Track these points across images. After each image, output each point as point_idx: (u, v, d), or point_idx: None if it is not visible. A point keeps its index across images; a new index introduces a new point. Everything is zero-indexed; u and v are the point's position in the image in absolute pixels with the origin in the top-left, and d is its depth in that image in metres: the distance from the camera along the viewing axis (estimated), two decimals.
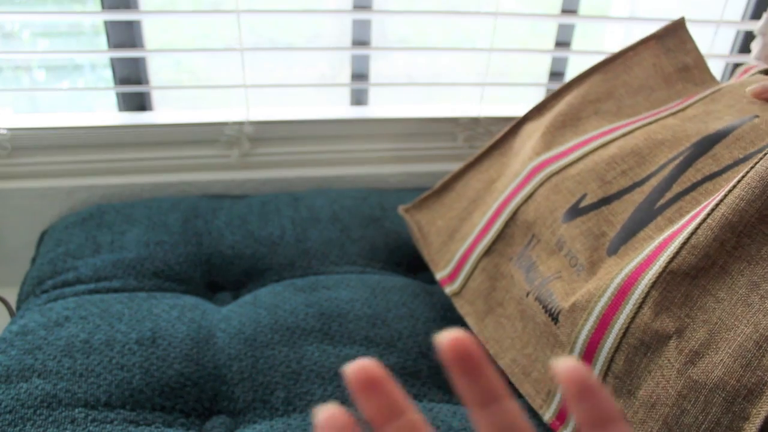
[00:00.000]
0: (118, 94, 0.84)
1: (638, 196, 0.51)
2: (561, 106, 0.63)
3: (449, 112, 0.87)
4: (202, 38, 1.56)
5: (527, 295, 0.54)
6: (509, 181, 0.61)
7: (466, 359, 0.22)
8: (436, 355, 0.58)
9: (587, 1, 0.92)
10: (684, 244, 0.43)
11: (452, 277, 0.62)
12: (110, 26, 0.79)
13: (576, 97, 0.63)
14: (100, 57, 1.45)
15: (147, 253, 0.67)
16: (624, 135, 0.57)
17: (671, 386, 0.42)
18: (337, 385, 0.54)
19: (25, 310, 0.61)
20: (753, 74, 0.60)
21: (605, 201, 0.53)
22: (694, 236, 0.43)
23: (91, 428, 0.48)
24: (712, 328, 0.41)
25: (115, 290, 0.63)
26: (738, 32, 0.92)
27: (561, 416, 0.49)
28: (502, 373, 0.58)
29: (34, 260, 0.72)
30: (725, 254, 0.42)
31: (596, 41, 1.56)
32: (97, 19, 1.08)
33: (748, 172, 0.42)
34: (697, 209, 0.46)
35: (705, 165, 0.50)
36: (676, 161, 0.51)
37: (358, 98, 0.90)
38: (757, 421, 0.38)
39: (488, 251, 0.59)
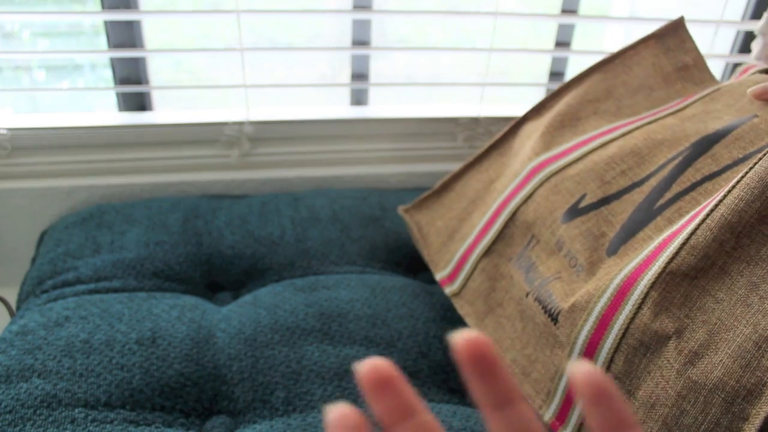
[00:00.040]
0: (118, 94, 0.84)
1: (638, 197, 0.51)
2: (560, 106, 0.63)
3: (449, 112, 0.87)
4: (202, 38, 1.56)
5: (527, 295, 0.54)
6: (509, 181, 0.61)
7: (481, 361, 0.22)
8: (436, 355, 0.58)
9: (587, 1, 0.92)
10: (683, 244, 0.43)
11: (452, 277, 0.62)
12: (110, 26, 0.79)
13: (575, 97, 0.63)
14: (100, 57, 1.45)
15: (147, 253, 0.67)
16: (623, 135, 0.57)
17: (671, 387, 0.42)
18: (337, 385, 0.54)
19: (25, 310, 0.61)
20: (753, 73, 0.60)
21: (605, 201, 0.53)
22: (693, 237, 0.42)
23: (91, 428, 0.48)
24: (712, 329, 0.41)
25: (115, 290, 0.63)
26: (738, 32, 0.92)
27: (561, 416, 0.49)
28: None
29: (34, 260, 0.72)
30: (724, 255, 0.42)
31: (596, 41, 1.56)
32: (97, 19, 1.08)
33: (747, 172, 0.42)
34: (697, 209, 0.46)
35: (704, 165, 0.50)
36: (676, 161, 0.51)
37: (358, 98, 0.90)
38: (757, 422, 0.38)
39: (488, 252, 0.59)
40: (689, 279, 0.43)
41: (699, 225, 0.43)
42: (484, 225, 0.60)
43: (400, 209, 0.70)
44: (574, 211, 0.54)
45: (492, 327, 0.57)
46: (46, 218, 0.81)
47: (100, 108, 1.23)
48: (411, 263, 0.72)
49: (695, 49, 0.63)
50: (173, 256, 0.68)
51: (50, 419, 0.49)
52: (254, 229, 0.72)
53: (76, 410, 0.50)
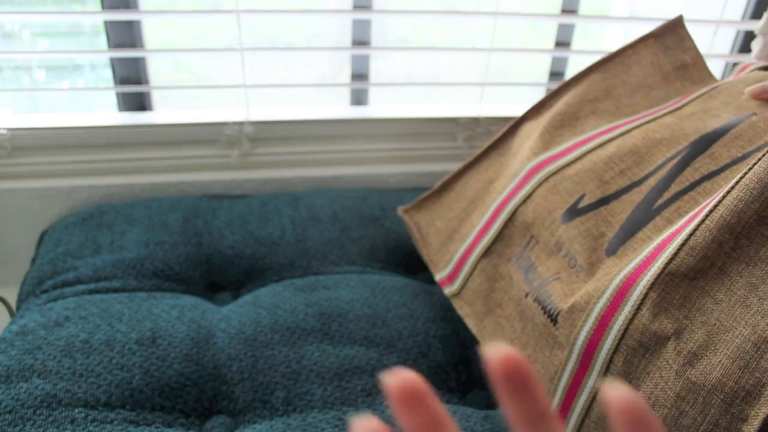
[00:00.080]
0: (118, 94, 0.84)
1: (636, 196, 0.51)
2: (559, 105, 0.63)
3: (449, 112, 0.87)
4: (202, 38, 1.56)
5: (526, 296, 0.54)
6: (508, 181, 0.61)
7: (516, 378, 0.21)
8: (436, 355, 0.58)
9: (587, 1, 0.92)
10: (682, 245, 0.43)
11: (451, 278, 0.62)
12: (110, 26, 0.79)
13: (574, 97, 0.63)
14: (100, 57, 1.45)
15: (147, 253, 0.67)
16: (622, 134, 0.57)
17: (670, 388, 0.42)
18: (337, 385, 0.54)
19: (25, 310, 0.61)
20: (751, 71, 0.60)
21: (603, 201, 0.53)
22: (692, 237, 0.42)
23: (91, 428, 0.48)
24: (711, 330, 0.41)
25: (115, 290, 0.63)
26: (738, 32, 0.92)
27: (560, 417, 0.49)
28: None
29: (34, 260, 0.72)
30: (724, 256, 0.42)
31: (596, 41, 1.56)
32: (97, 19, 1.08)
33: (746, 173, 0.42)
34: (696, 209, 0.46)
35: (703, 164, 0.49)
36: (674, 160, 0.51)
37: (358, 98, 0.90)
38: (756, 423, 0.38)
39: (487, 252, 0.59)
40: (688, 280, 0.43)
41: (698, 226, 0.42)
42: (484, 225, 0.60)
43: (400, 210, 0.70)
44: (573, 212, 0.53)
45: (491, 327, 0.57)
46: (46, 218, 0.81)
47: (100, 108, 1.23)
48: (411, 263, 0.72)
49: (694, 48, 0.63)
50: (173, 256, 0.68)
51: (50, 419, 0.49)
52: (254, 229, 0.72)
53: (76, 410, 0.50)
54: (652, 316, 0.43)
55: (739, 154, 0.49)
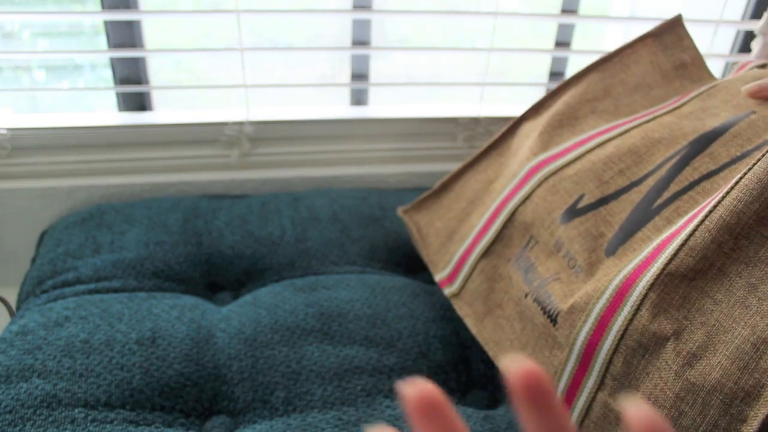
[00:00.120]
0: (118, 94, 0.84)
1: (636, 196, 0.51)
2: (558, 105, 0.63)
3: (449, 112, 0.87)
4: (202, 38, 1.56)
5: (526, 296, 0.54)
6: (507, 181, 0.61)
7: (536, 392, 0.22)
8: (436, 355, 0.58)
9: (587, 1, 0.92)
10: (682, 246, 0.43)
11: (451, 278, 0.62)
12: (110, 26, 0.79)
13: (573, 96, 0.63)
14: (100, 57, 1.45)
15: (147, 253, 0.67)
16: (621, 134, 0.57)
17: (669, 388, 0.42)
18: (337, 385, 0.54)
19: (25, 310, 0.61)
20: (750, 69, 0.60)
21: (603, 201, 0.53)
22: (691, 238, 0.42)
23: (91, 428, 0.48)
24: (710, 331, 0.41)
25: (115, 290, 0.63)
26: (738, 32, 0.92)
27: None
28: (501, 375, 0.58)
29: (34, 260, 0.72)
30: (723, 256, 0.42)
31: (596, 41, 1.56)
32: (97, 19, 1.08)
33: (746, 173, 0.42)
34: (695, 210, 0.46)
35: (702, 163, 0.49)
36: (673, 160, 0.51)
37: (358, 98, 0.90)
38: (755, 424, 0.38)
39: (486, 252, 0.59)
40: (688, 280, 0.43)
41: (697, 226, 0.42)
42: (483, 226, 0.60)
43: (399, 210, 0.70)
44: (573, 212, 0.53)
45: (491, 328, 0.57)
46: (46, 218, 0.81)
47: (100, 108, 1.23)
48: (411, 263, 0.72)
49: (693, 47, 0.63)
50: (173, 256, 0.68)
51: (50, 419, 0.49)
52: (254, 229, 0.72)
53: (76, 410, 0.50)
54: (651, 317, 0.43)
55: (738, 153, 0.49)
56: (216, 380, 0.54)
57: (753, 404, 0.38)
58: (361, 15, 0.81)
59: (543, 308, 0.51)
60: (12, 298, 0.74)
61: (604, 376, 0.46)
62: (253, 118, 0.82)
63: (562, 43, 0.91)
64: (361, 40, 0.86)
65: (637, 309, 0.44)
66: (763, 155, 0.41)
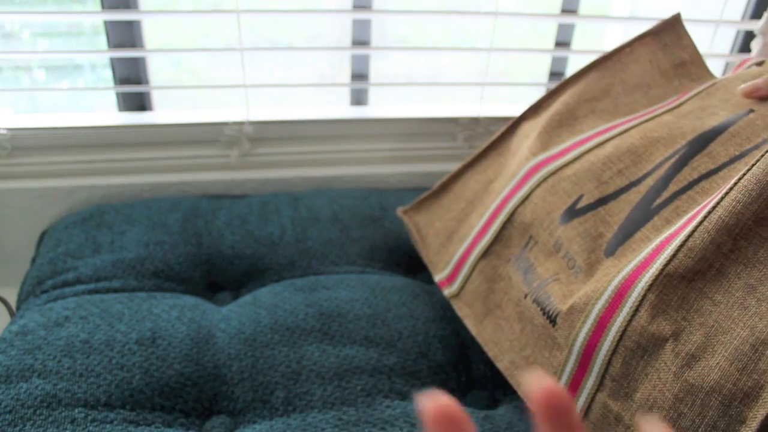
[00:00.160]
0: (118, 94, 0.84)
1: (635, 196, 0.51)
2: (557, 105, 0.63)
3: (449, 112, 0.87)
4: (202, 38, 1.56)
5: (525, 297, 0.54)
6: (506, 182, 0.61)
7: (557, 410, 0.22)
8: (436, 355, 0.58)
9: (587, 1, 0.92)
10: (680, 247, 0.43)
11: (450, 279, 0.61)
12: (110, 26, 0.79)
13: (572, 96, 0.63)
14: (100, 57, 1.45)
15: (147, 253, 0.67)
16: (620, 134, 0.57)
17: (668, 389, 0.42)
18: (337, 385, 0.54)
19: (25, 310, 0.61)
20: (748, 67, 0.60)
21: (602, 201, 0.53)
22: (690, 239, 0.42)
23: (91, 428, 0.48)
24: (709, 332, 0.41)
25: (115, 290, 0.63)
26: (738, 32, 0.92)
27: None
28: (500, 377, 0.58)
29: (34, 260, 0.72)
30: (722, 257, 0.42)
31: (596, 41, 1.56)
32: (97, 19, 1.08)
33: (744, 174, 0.42)
34: (694, 210, 0.46)
35: (701, 163, 0.49)
36: (672, 160, 0.51)
37: (358, 98, 0.90)
38: (754, 425, 0.38)
39: (486, 253, 0.59)
40: (686, 281, 0.43)
41: (696, 227, 0.42)
42: (482, 226, 0.60)
43: (399, 211, 0.70)
44: (572, 212, 0.53)
45: (491, 328, 0.57)
46: (46, 218, 0.81)
47: (100, 108, 1.23)
48: (411, 263, 0.72)
49: (692, 46, 0.63)
50: (173, 256, 0.68)
51: (50, 419, 0.49)
52: (254, 229, 0.72)
53: (76, 410, 0.50)
54: (650, 318, 0.43)
55: (737, 153, 0.48)
56: (216, 380, 0.54)
57: (752, 405, 0.38)
58: (361, 15, 0.81)
59: (542, 309, 0.51)
60: (12, 298, 0.74)
61: (603, 377, 0.46)
62: (253, 118, 0.82)
63: (562, 43, 0.91)
64: (361, 40, 0.86)
65: (636, 310, 0.44)
66: (762, 156, 0.41)
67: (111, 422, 0.49)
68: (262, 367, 0.55)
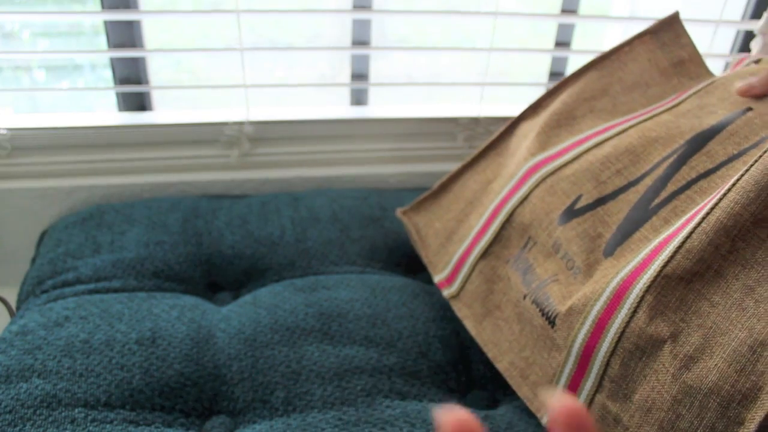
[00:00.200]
0: (118, 94, 0.85)
1: (633, 196, 0.51)
2: (556, 104, 0.63)
3: (449, 112, 0.87)
4: (202, 38, 1.56)
5: (524, 297, 0.54)
6: (505, 182, 0.61)
7: (578, 428, 0.23)
8: (436, 355, 0.58)
9: (587, 1, 0.92)
10: (679, 248, 0.43)
11: (450, 279, 0.61)
12: (110, 26, 0.79)
13: (571, 96, 0.62)
14: (100, 57, 1.45)
15: (147, 253, 0.67)
16: (618, 133, 0.57)
17: (666, 391, 0.42)
18: (337, 385, 0.54)
19: (25, 310, 0.61)
20: (747, 64, 0.60)
21: (600, 201, 0.52)
22: (688, 240, 0.42)
23: (91, 428, 0.49)
24: (707, 333, 0.41)
25: (115, 290, 0.63)
26: (738, 32, 0.92)
27: None
28: (500, 377, 0.58)
29: (34, 260, 0.72)
30: (720, 258, 0.42)
31: (596, 41, 1.56)
32: (97, 19, 1.08)
33: (742, 175, 0.42)
34: (693, 210, 0.46)
35: (699, 162, 0.49)
36: (670, 159, 0.51)
37: (358, 98, 0.90)
38: (752, 426, 0.38)
39: (485, 254, 0.59)
40: (685, 283, 0.42)
41: (694, 228, 0.42)
42: (482, 227, 0.60)
43: (398, 212, 0.70)
44: (571, 213, 0.53)
45: (490, 329, 0.57)
46: (46, 218, 0.81)
47: (100, 108, 1.23)
48: (411, 263, 0.72)
49: (691, 44, 0.63)
50: (173, 256, 0.68)
51: (50, 419, 0.49)
52: (254, 229, 0.72)
53: (76, 410, 0.50)
54: (648, 319, 0.43)
55: (735, 152, 0.48)
56: (216, 380, 0.54)
57: (750, 407, 0.38)
58: (361, 15, 0.81)
59: (541, 310, 0.51)
60: (12, 298, 0.74)
61: (602, 379, 0.46)
62: (253, 118, 0.82)
63: (562, 43, 0.91)
64: (361, 40, 0.86)
65: (634, 311, 0.44)
66: (760, 157, 0.41)
67: (111, 422, 0.49)
68: (262, 367, 0.55)
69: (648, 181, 0.51)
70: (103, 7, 0.77)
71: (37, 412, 0.49)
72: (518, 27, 1.63)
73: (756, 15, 0.88)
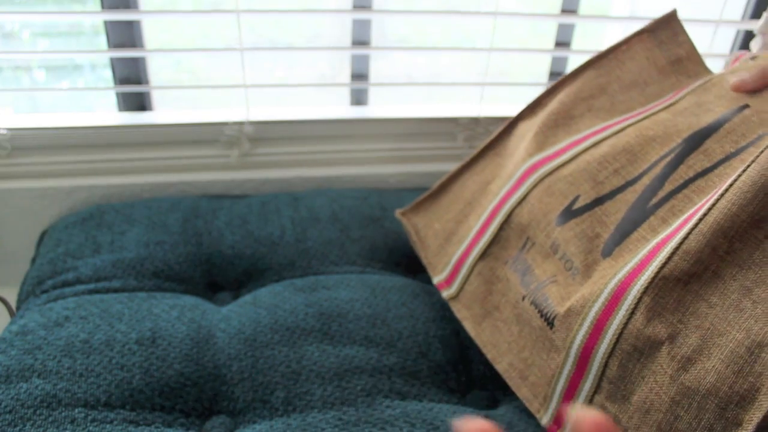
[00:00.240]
0: (118, 94, 0.85)
1: (631, 196, 0.51)
2: (554, 104, 0.63)
3: (449, 112, 0.87)
4: (202, 38, 1.56)
5: (523, 299, 0.54)
6: (503, 183, 0.61)
7: None
8: (436, 355, 0.58)
9: (587, 1, 0.92)
10: (676, 249, 0.43)
11: (449, 281, 0.61)
12: (110, 26, 0.79)
13: (569, 95, 0.62)
14: (100, 57, 1.45)
15: (147, 253, 0.67)
16: (616, 133, 0.56)
17: (664, 392, 0.42)
18: (337, 385, 0.54)
19: (25, 310, 0.61)
20: (744, 62, 0.60)
21: (598, 201, 0.52)
22: (686, 241, 0.42)
23: (91, 428, 0.49)
24: (705, 334, 0.41)
25: (115, 290, 0.63)
26: (738, 31, 0.92)
27: (558, 421, 0.49)
28: (500, 377, 0.58)
29: (34, 260, 0.72)
30: (717, 259, 0.42)
31: (596, 41, 1.56)
32: (97, 19, 1.08)
33: (740, 175, 0.41)
34: (691, 209, 0.46)
35: (697, 161, 0.49)
36: (668, 158, 0.51)
37: (358, 98, 0.90)
38: (750, 428, 0.38)
39: (484, 255, 0.59)
40: (682, 284, 0.42)
41: (692, 229, 0.42)
42: (480, 228, 0.60)
43: (398, 212, 0.70)
44: (568, 213, 0.53)
45: (489, 331, 0.57)
46: (46, 218, 0.81)
47: (100, 108, 1.23)
48: (411, 263, 0.72)
49: (688, 42, 0.63)
50: (173, 256, 0.68)
51: (50, 419, 0.49)
52: (254, 229, 0.72)
53: (76, 410, 0.50)
54: (646, 321, 0.43)
55: (733, 150, 0.48)
56: (216, 380, 0.54)
57: (748, 408, 0.38)
58: (361, 15, 0.81)
59: (540, 311, 0.51)
60: (12, 298, 0.74)
61: (600, 380, 0.46)
62: (253, 118, 0.82)
63: (562, 43, 0.91)
64: (361, 40, 0.86)
65: (632, 313, 0.44)
66: (757, 157, 0.41)
67: (111, 422, 0.49)
68: (262, 367, 0.55)
69: (646, 181, 0.51)
70: (103, 7, 0.77)
71: (37, 412, 0.49)
72: (518, 27, 1.63)
73: (756, 15, 0.88)
